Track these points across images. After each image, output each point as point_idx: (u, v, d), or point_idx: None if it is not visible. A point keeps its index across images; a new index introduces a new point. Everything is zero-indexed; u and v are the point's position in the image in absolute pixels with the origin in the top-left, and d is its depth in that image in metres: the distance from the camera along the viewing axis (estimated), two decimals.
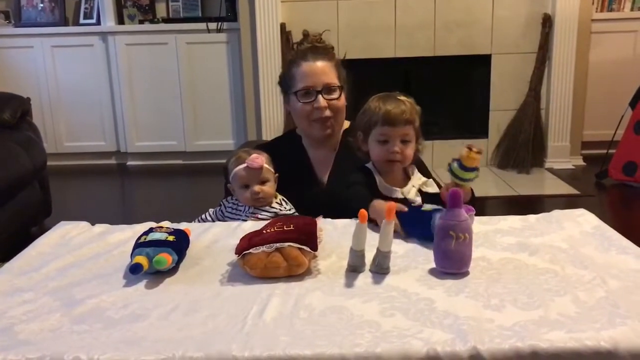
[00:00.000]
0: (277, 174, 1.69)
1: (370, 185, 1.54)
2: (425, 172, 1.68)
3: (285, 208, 1.67)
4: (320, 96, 1.72)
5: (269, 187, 1.65)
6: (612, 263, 1.17)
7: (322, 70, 1.73)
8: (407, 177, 1.60)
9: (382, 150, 1.52)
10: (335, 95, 1.74)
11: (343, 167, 1.77)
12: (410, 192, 1.55)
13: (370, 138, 1.54)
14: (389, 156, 1.52)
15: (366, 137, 1.56)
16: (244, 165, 1.62)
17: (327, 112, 1.73)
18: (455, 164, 1.40)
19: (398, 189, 1.55)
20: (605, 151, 3.90)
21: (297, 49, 1.81)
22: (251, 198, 1.64)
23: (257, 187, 1.63)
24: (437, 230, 1.15)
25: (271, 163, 1.68)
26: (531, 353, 0.87)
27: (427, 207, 1.34)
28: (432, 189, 1.58)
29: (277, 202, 1.67)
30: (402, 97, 1.55)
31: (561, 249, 1.25)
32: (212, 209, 1.75)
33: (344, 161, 1.79)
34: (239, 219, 1.64)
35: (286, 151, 1.83)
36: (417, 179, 1.59)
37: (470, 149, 1.36)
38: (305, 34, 1.83)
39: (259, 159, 1.62)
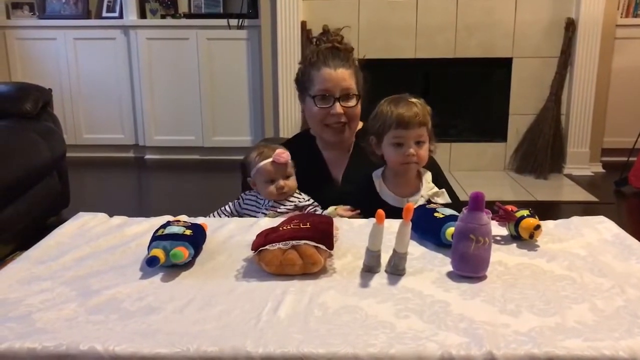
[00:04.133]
0: (295, 169, 1.71)
1: (370, 196, 1.54)
2: (441, 180, 1.67)
3: (304, 199, 1.69)
4: (337, 103, 1.72)
5: (292, 181, 1.68)
6: (631, 272, 1.15)
7: (342, 77, 1.72)
8: (420, 185, 1.59)
9: (397, 153, 1.53)
10: (352, 102, 1.74)
11: (357, 167, 1.77)
12: (418, 202, 1.55)
13: (384, 142, 1.55)
14: (404, 159, 1.52)
15: (380, 141, 1.56)
16: (270, 159, 1.65)
17: (343, 119, 1.74)
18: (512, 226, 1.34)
19: (404, 198, 1.54)
20: (625, 159, 3.85)
21: (317, 48, 1.79)
22: (276, 192, 1.66)
23: (282, 182, 1.66)
24: (456, 232, 1.14)
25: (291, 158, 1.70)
26: None
27: (440, 212, 1.33)
28: (443, 199, 1.57)
29: (296, 194, 1.70)
30: (413, 99, 1.55)
31: (579, 256, 1.23)
32: (231, 202, 1.76)
33: (358, 161, 1.79)
34: (258, 212, 1.67)
35: (301, 150, 1.83)
36: (429, 188, 1.59)
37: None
38: (326, 30, 1.82)
39: (285, 154, 1.65)
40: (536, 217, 1.32)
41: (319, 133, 1.81)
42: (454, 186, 1.73)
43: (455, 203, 1.62)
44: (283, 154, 1.65)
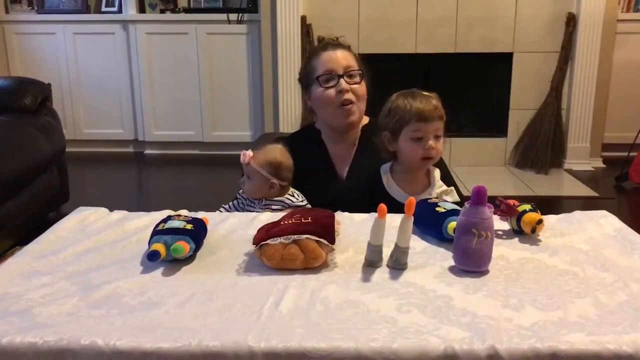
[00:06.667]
0: (274, 181, 1.65)
1: (377, 192, 1.54)
2: (449, 179, 1.66)
3: (297, 200, 1.67)
4: (342, 79, 1.72)
5: (248, 185, 1.67)
6: (634, 266, 1.15)
7: (343, 56, 1.74)
8: (428, 182, 1.58)
9: (416, 147, 1.51)
10: (356, 79, 1.74)
11: (362, 162, 1.77)
12: None
13: (401, 137, 1.53)
14: (424, 153, 1.51)
15: (395, 136, 1.54)
16: None
17: (350, 95, 1.72)
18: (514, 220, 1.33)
19: (411, 196, 1.53)
20: (626, 154, 3.85)
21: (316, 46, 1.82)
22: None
23: (243, 178, 1.69)
24: (458, 227, 1.13)
25: (273, 169, 1.64)
26: (550, 354, 0.85)
27: (442, 207, 1.32)
28: (452, 197, 1.57)
29: (289, 194, 1.68)
30: (427, 93, 1.54)
31: (582, 250, 1.23)
32: (230, 202, 1.75)
33: (363, 156, 1.78)
34: (253, 211, 1.65)
35: (306, 145, 1.82)
36: (438, 186, 1.58)
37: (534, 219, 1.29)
38: (321, 39, 1.85)
39: (245, 156, 1.65)
40: (538, 211, 1.31)
41: (329, 119, 1.79)
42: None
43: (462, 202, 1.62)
44: (243, 155, 1.65)
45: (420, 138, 1.51)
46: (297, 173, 1.70)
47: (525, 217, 1.29)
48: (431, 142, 1.50)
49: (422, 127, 1.50)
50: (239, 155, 1.72)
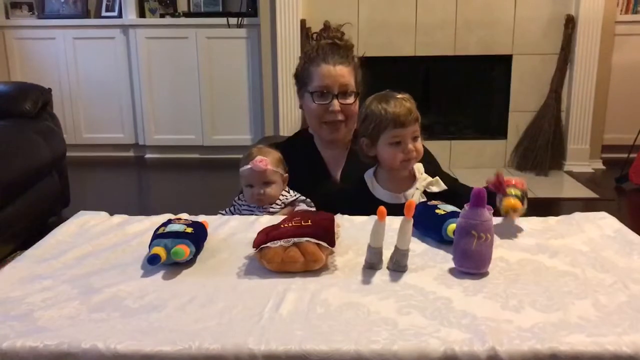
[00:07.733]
0: (286, 175, 1.69)
1: (365, 196, 1.55)
2: (434, 166, 1.66)
3: (291, 195, 1.68)
4: (335, 100, 1.72)
5: (273, 189, 1.65)
6: (634, 267, 1.15)
7: (341, 73, 1.72)
8: (413, 178, 1.59)
9: (396, 152, 1.52)
10: (350, 100, 1.74)
11: (356, 165, 1.77)
12: (414, 195, 1.54)
13: (380, 142, 1.53)
14: (405, 156, 1.51)
15: (374, 142, 1.55)
16: (249, 166, 1.63)
17: (340, 116, 1.73)
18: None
19: (400, 194, 1.54)
20: (626, 155, 3.85)
21: (317, 43, 1.80)
22: (253, 198, 1.66)
23: (258, 189, 1.64)
24: (457, 229, 1.14)
25: (282, 164, 1.68)
26: (550, 355, 0.85)
27: (442, 209, 1.32)
28: (438, 187, 1.57)
29: (285, 191, 1.69)
30: (400, 95, 1.54)
31: (582, 251, 1.23)
32: (227, 209, 1.75)
33: (356, 159, 1.79)
34: (252, 214, 1.65)
35: (299, 150, 1.83)
36: (422, 179, 1.58)
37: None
38: (326, 26, 1.82)
39: (263, 162, 1.62)
40: (524, 201, 1.34)
41: (316, 130, 1.82)
42: None
43: (453, 183, 1.62)
44: (261, 162, 1.61)
45: (399, 142, 1.51)
46: (292, 178, 1.70)
47: (505, 200, 1.32)
48: (410, 146, 1.51)
49: (399, 132, 1.50)
50: (239, 158, 1.72)
